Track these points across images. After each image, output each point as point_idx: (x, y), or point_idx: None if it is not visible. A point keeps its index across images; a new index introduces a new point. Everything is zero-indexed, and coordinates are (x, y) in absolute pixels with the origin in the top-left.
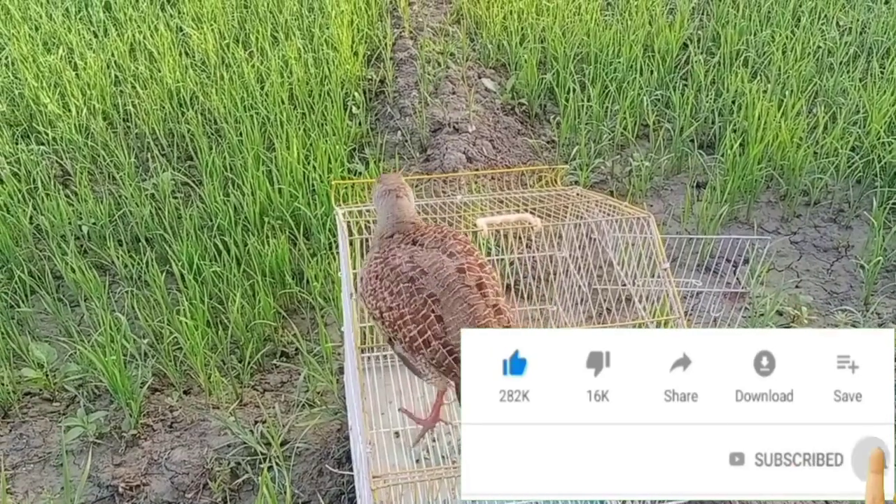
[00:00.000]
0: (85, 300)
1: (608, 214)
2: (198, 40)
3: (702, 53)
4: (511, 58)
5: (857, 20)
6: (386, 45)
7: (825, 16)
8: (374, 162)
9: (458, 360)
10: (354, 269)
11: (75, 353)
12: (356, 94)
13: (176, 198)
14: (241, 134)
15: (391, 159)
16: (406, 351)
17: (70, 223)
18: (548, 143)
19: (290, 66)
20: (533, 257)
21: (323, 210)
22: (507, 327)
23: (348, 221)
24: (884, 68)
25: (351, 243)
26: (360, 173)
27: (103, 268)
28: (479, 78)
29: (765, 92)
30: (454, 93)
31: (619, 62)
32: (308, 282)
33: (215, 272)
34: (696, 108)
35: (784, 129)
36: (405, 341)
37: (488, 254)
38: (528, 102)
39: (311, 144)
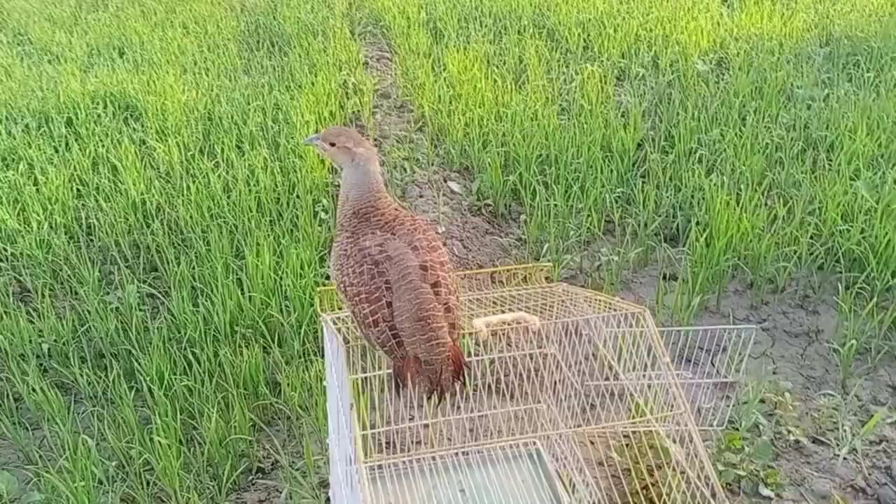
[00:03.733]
0: (47, 421)
1: (599, 310)
2: (163, 153)
3: (657, 152)
4: (474, 162)
5: (800, 117)
6: None
7: (769, 114)
8: None
9: (399, 344)
10: (353, 374)
11: (39, 480)
12: (324, 200)
13: (142, 310)
14: (208, 243)
15: None
16: (360, 326)
17: (31, 341)
18: (517, 241)
19: (257, 175)
20: (521, 356)
21: (296, 316)
22: (452, 325)
23: (339, 328)
24: (831, 161)
25: (347, 349)
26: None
27: (66, 387)
28: (445, 181)
29: (721, 186)
30: (421, 196)
31: (579, 162)
32: (282, 392)
33: (187, 386)
34: (657, 203)
35: (745, 220)
36: (360, 316)
37: (469, 355)
38: (494, 203)
39: (280, 252)
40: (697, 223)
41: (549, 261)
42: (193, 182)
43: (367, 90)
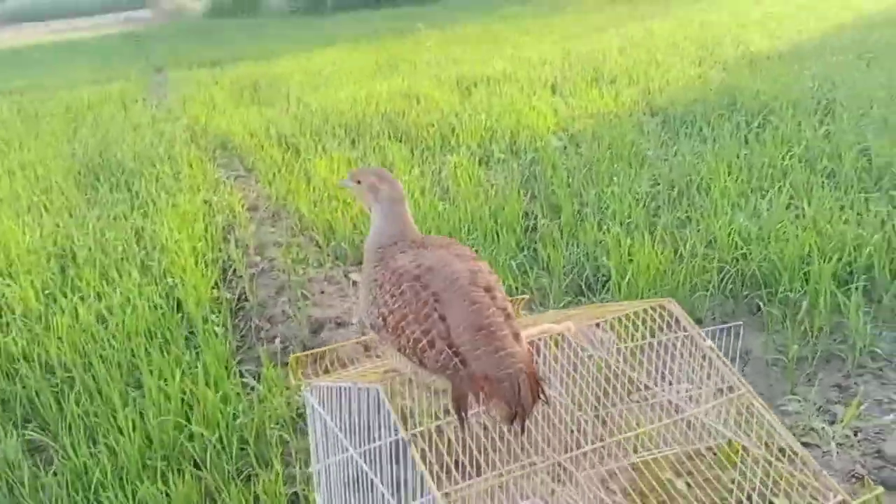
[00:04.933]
0: None
1: (613, 314)
2: (18, 295)
3: (545, 218)
4: None
5: (659, 173)
6: (242, 262)
7: (631, 174)
8: (272, 366)
9: (464, 362)
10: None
11: None
12: (213, 316)
13: (31, 464)
14: (94, 378)
15: (284, 367)
16: (412, 355)
17: None
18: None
19: (133, 300)
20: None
21: (219, 434)
22: (516, 334)
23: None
24: (703, 201)
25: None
26: (253, 387)
27: None
28: (346, 275)
29: (617, 235)
30: (323, 292)
31: (474, 237)
32: None
33: None
34: (563, 261)
35: (658, 257)
36: (409, 345)
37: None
38: None
39: (183, 370)
40: (611, 270)
41: None
42: (62, 317)
43: (236, 202)
